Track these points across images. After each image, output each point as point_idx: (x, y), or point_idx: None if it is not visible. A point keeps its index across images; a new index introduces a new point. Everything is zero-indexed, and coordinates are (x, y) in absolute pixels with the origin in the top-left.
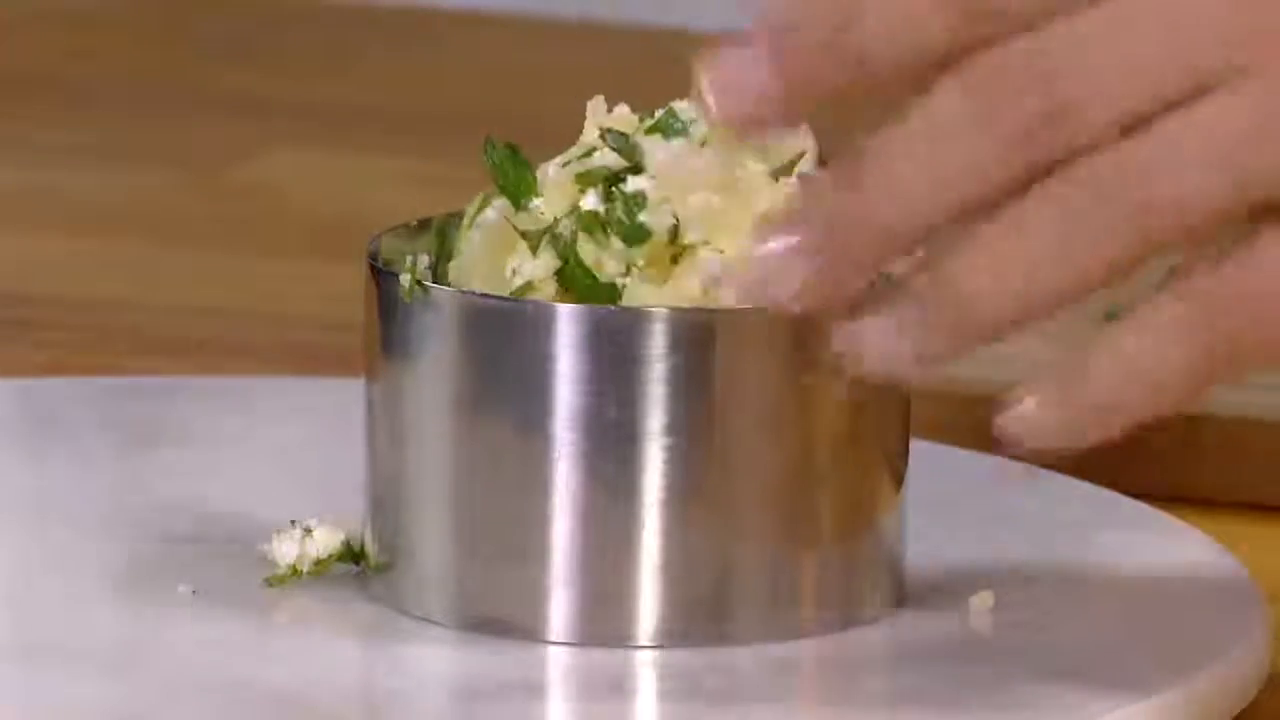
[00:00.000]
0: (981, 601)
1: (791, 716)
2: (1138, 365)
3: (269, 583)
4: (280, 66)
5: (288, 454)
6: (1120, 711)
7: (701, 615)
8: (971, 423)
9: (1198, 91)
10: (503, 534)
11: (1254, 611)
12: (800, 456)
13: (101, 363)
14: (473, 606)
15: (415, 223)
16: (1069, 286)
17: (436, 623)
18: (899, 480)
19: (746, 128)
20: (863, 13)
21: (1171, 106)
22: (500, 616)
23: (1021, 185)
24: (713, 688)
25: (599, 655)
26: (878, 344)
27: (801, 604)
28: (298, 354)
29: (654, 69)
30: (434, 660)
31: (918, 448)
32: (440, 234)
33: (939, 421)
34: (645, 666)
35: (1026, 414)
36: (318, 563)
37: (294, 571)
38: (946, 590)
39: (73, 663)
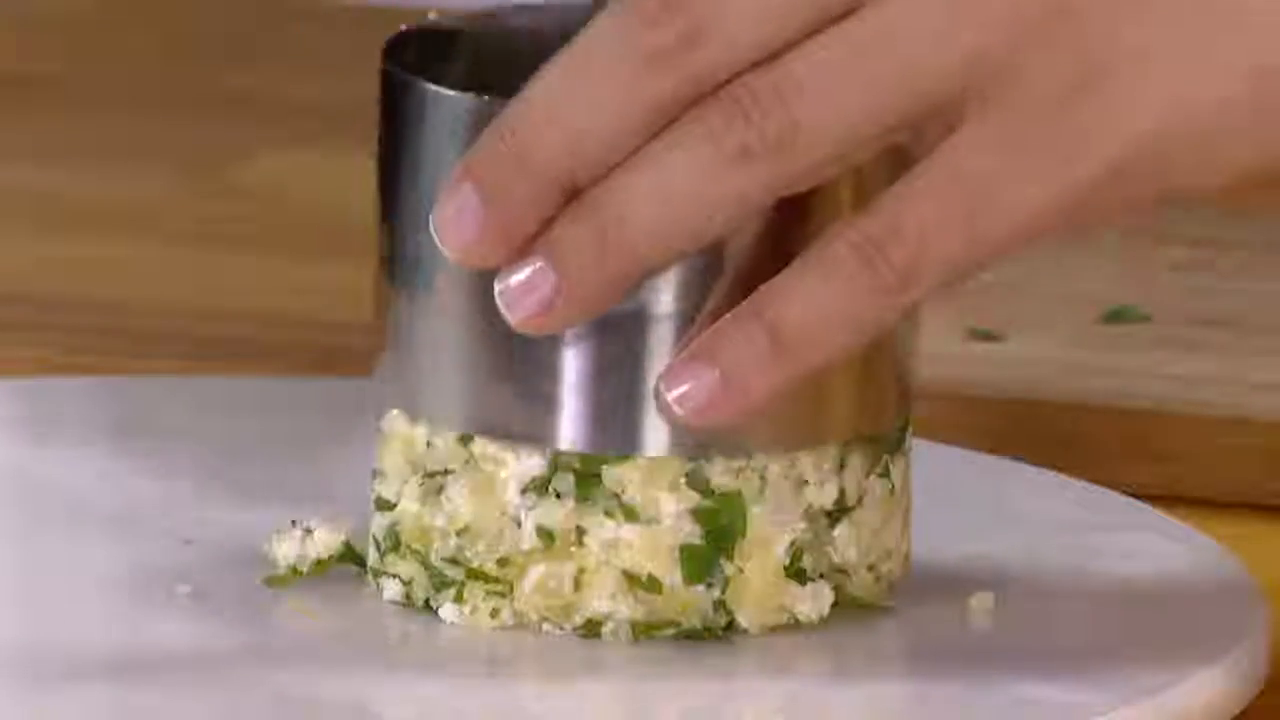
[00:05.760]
0: (981, 601)
1: (788, 715)
2: (824, 306)
3: (269, 583)
4: (280, 66)
5: (288, 454)
6: (1120, 711)
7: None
8: (971, 423)
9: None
10: (515, 341)
11: (1254, 611)
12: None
13: (101, 363)
14: (483, 412)
15: (431, 18)
16: (714, 213)
17: (446, 428)
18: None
19: None
20: None
21: (812, 29)
22: (510, 423)
23: (671, 115)
24: (709, 685)
25: (597, 647)
26: (528, 288)
27: (820, 412)
28: (298, 354)
29: None
30: (434, 661)
31: (918, 448)
32: (464, 40)
33: (939, 422)
34: (642, 660)
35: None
36: (318, 563)
37: (294, 571)
38: (946, 590)
39: (73, 663)
